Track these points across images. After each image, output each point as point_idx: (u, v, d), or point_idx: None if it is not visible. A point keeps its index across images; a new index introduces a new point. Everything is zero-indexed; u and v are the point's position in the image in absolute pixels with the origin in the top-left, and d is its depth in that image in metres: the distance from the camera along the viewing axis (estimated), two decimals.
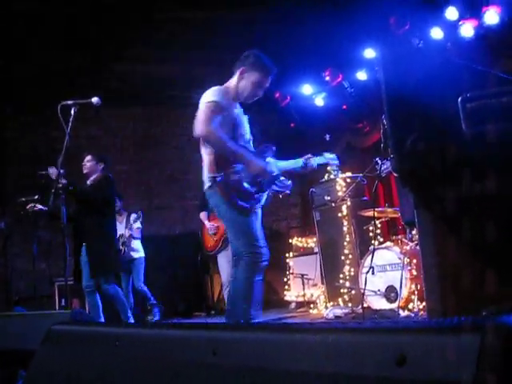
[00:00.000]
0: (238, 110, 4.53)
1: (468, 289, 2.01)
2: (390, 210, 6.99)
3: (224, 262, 6.94)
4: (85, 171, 6.71)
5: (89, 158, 6.73)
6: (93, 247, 6.44)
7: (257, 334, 1.18)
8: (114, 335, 1.62)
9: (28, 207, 6.61)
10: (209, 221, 7.36)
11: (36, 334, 2.03)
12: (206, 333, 1.32)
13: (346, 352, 0.94)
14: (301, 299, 8.81)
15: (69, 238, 6.22)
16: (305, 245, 9.31)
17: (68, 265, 5.61)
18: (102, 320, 6.37)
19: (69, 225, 6.03)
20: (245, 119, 4.57)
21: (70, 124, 5.29)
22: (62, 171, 5.73)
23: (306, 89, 9.85)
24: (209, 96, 4.30)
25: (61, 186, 5.54)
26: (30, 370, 1.91)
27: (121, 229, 8.13)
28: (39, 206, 6.59)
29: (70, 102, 5.33)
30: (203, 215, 7.38)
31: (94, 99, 5.39)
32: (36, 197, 6.81)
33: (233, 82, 4.57)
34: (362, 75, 8.80)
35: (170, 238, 10.69)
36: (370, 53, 8.26)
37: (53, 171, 5.83)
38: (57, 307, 8.77)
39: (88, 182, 6.72)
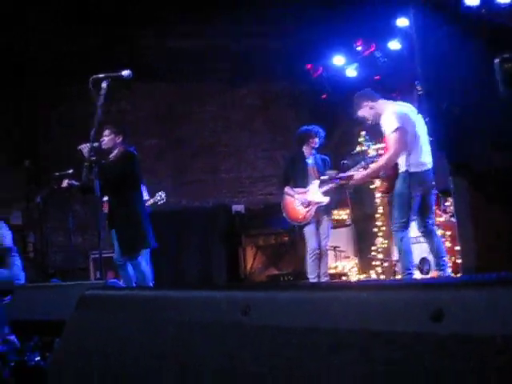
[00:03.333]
0: None
1: (505, 256, 1.97)
2: None
3: (313, 230, 7.17)
4: (104, 147, 6.38)
5: (106, 132, 6.39)
6: (118, 227, 6.30)
7: (288, 293, 1.17)
8: (146, 298, 1.62)
9: (62, 185, 6.59)
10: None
11: (72, 304, 2.05)
12: (235, 293, 1.31)
13: (381, 308, 0.92)
14: (333, 271, 8.80)
15: (102, 211, 6.27)
16: (337, 217, 9.26)
17: (102, 238, 5.65)
18: None
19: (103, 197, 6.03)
20: None
21: (102, 98, 5.28)
22: (95, 144, 5.72)
23: (338, 60, 9.74)
24: None
25: (94, 159, 5.54)
26: (63, 336, 1.93)
27: None
28: (73, 181, 6.59)
29: (101, 76, 5.31)
30: (288, 189, 7.41)
31: (125, 72, 5.35)
32: (70, 171, 6.85)
33: None
34: (394, 44, 8.64)
35: (203, 211, 10.72)
36: (402, 21, 8.11)
37: (85, 146, 5.81)
38: (92, 279, 8.90)
39: (110, 158, 6.48)
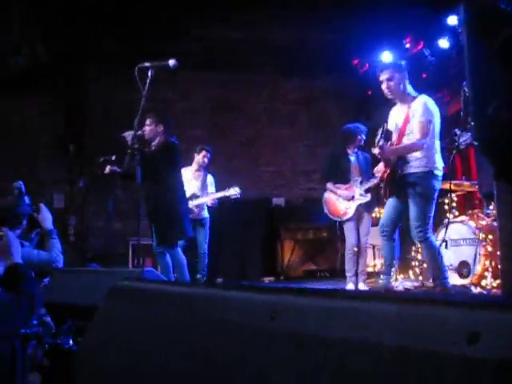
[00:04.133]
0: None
1: None
2: (467, 183, 6.79)
3: (353, 226, 7.23)
4: (146, 137, 6.38)
5: (148, 121, 6.39)
6: (157, 216, 6.30)
7: (317, 300, 1.14)
8: (175, 294, 1.62)
9: (105, 171, 6.63)
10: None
11: (107, 290, 2.07)
12: (264, 297, 1.28)
13: (412, 324, 0.89)
14: (371, 270, 8.73)
15: (143, 199, 6.31)
16: (377, 215, 9.16)
17: (141, 224, 5.68)
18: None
19: (143, 185, 6.05)
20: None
21: (147, 86, 5.29)
22: (138, 133, 5.75)
23: (386, 56, 9.63)
24: None
25: (136, 147, 5.56)
26: (93, 321, 1.95)
27: (194, 187, 7.96)
28: (115, 167, 6.63)
29: (146, 65, 5.31)
30: (330, 184, 7.37)
31: (171, 62, 5.33)
32: (114, 157, 6.90)
33: None
34: (443, 43, 8.50)
35: (243, 202, 10.69)
36: (453, 20, 7.96)
37: (129, 134, 5.83)
38: (130, 266, 8.99)
39: (152, 147, 6.48)
